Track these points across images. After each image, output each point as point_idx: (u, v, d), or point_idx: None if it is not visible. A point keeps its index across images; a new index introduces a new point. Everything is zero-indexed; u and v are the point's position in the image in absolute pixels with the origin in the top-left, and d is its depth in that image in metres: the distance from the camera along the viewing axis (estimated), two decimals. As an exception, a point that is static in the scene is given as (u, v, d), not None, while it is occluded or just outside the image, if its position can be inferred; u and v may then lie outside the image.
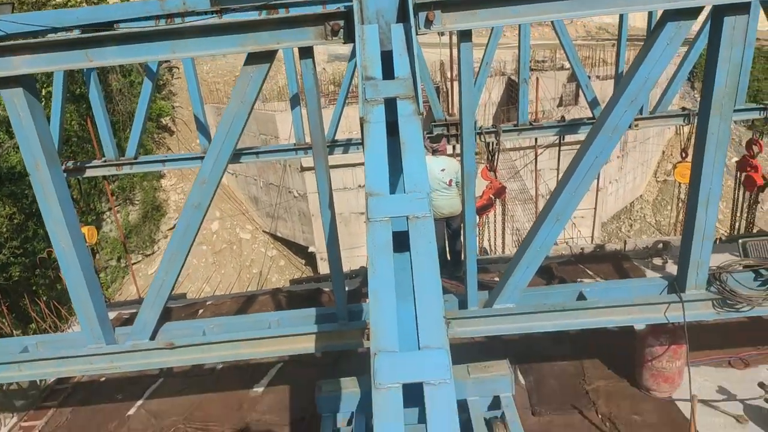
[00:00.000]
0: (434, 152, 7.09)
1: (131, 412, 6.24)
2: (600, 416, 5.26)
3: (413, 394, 1.85)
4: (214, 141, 3.42)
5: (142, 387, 6.66)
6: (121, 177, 18.91)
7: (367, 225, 2.24)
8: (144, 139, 19.19)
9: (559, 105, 18.81)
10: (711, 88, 3.36)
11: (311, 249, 19.34)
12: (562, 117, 9.31)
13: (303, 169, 17.53)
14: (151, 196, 19.88)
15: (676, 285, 4.10)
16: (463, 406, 3.23)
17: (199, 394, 6.38)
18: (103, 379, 6.91)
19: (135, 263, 18.49)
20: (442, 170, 6.81)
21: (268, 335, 4.24)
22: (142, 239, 19.34)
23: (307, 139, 8.68)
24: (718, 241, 8.21)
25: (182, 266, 3.84)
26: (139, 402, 6.41)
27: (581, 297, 4.23)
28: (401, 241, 2.34)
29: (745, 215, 8.85)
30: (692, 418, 4.01)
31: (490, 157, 7.96)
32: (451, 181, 6.80)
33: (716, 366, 5.72)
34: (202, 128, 8.79)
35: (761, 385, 5.16)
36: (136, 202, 19.70)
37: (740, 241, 4.58)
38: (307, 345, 4.27)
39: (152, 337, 4.17)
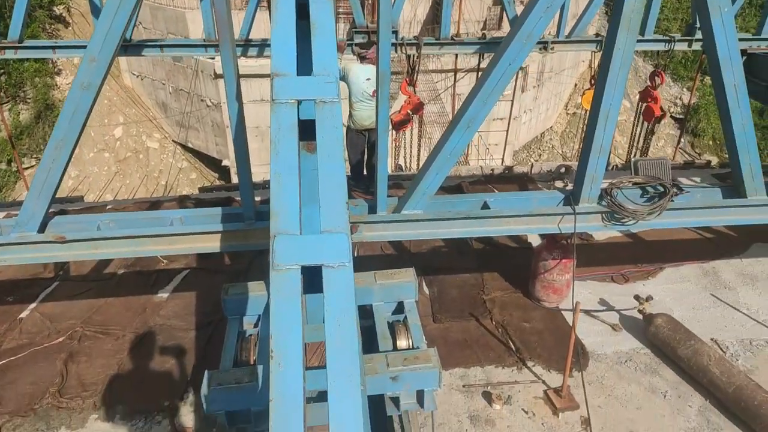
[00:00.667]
0: (362, 59, 6.75)
1: (24, 314, 5.94)
2: (494, 323, 5.68)
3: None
4: (104, 11, 3.05)
5: (36, 290, 6.32)
6: (11, 69, 17.00)
7: (271, 107, 2.12)
8: (35, 30, 17.20)
9: (483, 29, 18.74)
10: (621, 3, 3.43)
11: (225, 162, 18.63)
12: (483, 35, 9.26)
13: (216, 77, 16.52)
14: (44, 93, 18.06)
15: (571, 198, 4.34)
16: (368, 312, 3.29)
17: (99, 299, 6.16)
18: (-10, 281, 6.48)
19: (28, 168, 17.03)
20: (368, 79, 6.51)
21: (169, 232, 4.07)
22: (35, 141, 17.73)
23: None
24: (614, 168, 8.80)
25: (71, 155, 3.53)
26: (33, 305, 6.10)
27: (485, 206, 4.39)
28: (309, 132, 2.25)
29: (641, 146, 9.48)
30: (573, 325, 4.37)
31: (410, 71, 7.84)
32: (374, 91, 6.53)
33: (601, 281, 6.30)
34: (98, 13, 7.89)
35: (636, 297, 5.75)
36: (28, 101, 17.87)
37: (632, 160, 4.91)
38: (211, 244, 4.14)
39: (41, 230, 3.88)
